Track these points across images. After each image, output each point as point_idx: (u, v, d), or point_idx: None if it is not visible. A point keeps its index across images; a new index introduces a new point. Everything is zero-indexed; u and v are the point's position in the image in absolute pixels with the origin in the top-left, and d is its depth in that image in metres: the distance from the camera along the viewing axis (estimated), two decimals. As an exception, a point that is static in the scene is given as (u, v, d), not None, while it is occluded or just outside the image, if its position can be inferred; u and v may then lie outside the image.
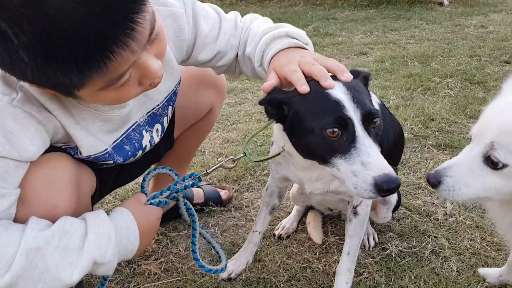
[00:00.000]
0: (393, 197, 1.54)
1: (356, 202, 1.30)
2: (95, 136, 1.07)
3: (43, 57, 0.75)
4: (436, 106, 2.65)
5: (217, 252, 1.28)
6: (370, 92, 1.12)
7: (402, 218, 1.73)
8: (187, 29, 1.21)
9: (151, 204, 1.11)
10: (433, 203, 1.80)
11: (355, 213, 1.31)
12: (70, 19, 0.72)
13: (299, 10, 5.67)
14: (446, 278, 1.41)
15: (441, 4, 5.46)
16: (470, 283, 1.39)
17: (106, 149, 1.11)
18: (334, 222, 1.75)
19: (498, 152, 0.87)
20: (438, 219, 1.70)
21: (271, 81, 1.07)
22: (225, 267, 1.27)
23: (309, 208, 1.75)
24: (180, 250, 1.61)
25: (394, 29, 4.63)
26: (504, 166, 0.87)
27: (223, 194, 1.88)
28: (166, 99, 1.28)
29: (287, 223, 1.70)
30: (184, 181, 1.18)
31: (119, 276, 1.49)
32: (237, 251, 1.54)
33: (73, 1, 0.72)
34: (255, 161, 1.25)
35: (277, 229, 1.69)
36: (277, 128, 1.20)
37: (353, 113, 0.96)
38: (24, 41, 0.73)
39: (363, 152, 0.95)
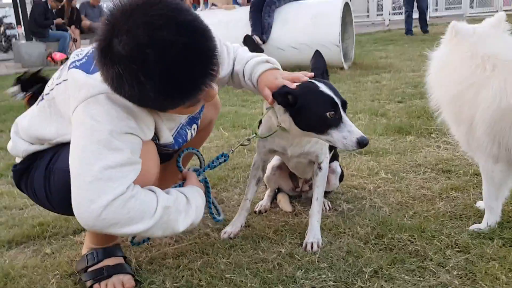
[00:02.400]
0: (338, 168, 2.16)
1: (320, 160, 1.89)
2: (166, 131, 1.59)
3: (164, 95, 1.30)
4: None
5: (215, 207, 1.86)
6: None
7: (346, 192, 2.33)
8: None
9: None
10: (365, 182, 2.44)
11: (319, 168, 1.90)
12: (185, 75, 1.28)
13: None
14: (383, 216, 2.00)
15: (342, 68, 6.53)
16: (399, 217, 2.00)
17: (171, 141, 1.63)
18: (297, 200, 2.30)
19: None
20: (370, 190, 2.34)
21: (268, 93, 1.68)
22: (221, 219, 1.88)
23: (278, 191, 2.30)
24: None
25: (308, 87, 5.50)
26: None
27: None
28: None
29: (263, 202, 2.23)
30: (218, 159, 1.78)
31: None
32: (231, 221, 2.02)
33: (183, 66, 1.26)
34: (262, 138, 1.82)
35: (256, 208, 2.20)
36: (271, 114, 1.77)
37: (338, 102, 1.60)
38: (154, 86, 1.26)
39: (348, 125, 1.60)
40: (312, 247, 1.79)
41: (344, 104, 1.62)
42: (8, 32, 15.05)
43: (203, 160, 1.86)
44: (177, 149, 1.74)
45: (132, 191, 1.36)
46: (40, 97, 1.63)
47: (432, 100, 1.85)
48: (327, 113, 1.58)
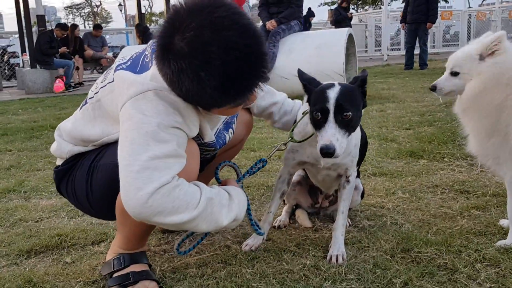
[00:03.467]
0: (360, 185, 2.15)
1: (349, 173, 1.89)
2: (209, 130, 1.61)
3: (220, 92, 1.32)
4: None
5: (255, 223, 1.82)
6: None
7: (364, 210, 2.32)
8: None
9: None
10: (383, 201, 2.43)
11: (347, 181, 1.90)
12: (242, 75, 1.31)
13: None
14: (406, 232, 1.99)
15: (346, 98, 6.61)
16: (422, 233, 1.98)
17: (214, 139, 1.65)
18: (315, 216, 2.28)
19: (455, 68, 1.83)
20: (389, 208, 2.32)
21: None
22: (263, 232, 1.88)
23: (296, 208, 2.28)
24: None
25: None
26: (457, 73, 1.84)
27: None
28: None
29: (282, 218, 2.21)
30: (256, 165, 1.81)
31: (169, 253, 1.88)
32: (251, 234, 2.00)
33: (242, 65, 1.30)
34: (298, 142, 1.82)
35: (275, 223, 2.18)
36: (308, 120, 1.79)
37: (332, 106, 1.59)
38: (213, 83, 1.29)
39: (324, 130, 1.60)
40: (337, 260, 1.77)
41: (339, 110, 1.58)
42: (12, 60, 15.19)
43: (240, 171, 1.85)
44: (218, 149, 1.76)
45: (177, 181, 1.38)
46: (83, 102, 1.68)
47: (468, 109, 1.84)
48: (314, 113, 1.62)
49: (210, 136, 1.62)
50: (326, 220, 2.23)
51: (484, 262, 1.70)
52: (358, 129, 1.89)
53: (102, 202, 1.56)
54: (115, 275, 1.60)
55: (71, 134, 1.64)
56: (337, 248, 1.82)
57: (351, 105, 1.61)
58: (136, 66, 1.50)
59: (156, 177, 1.32)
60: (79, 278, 1.70)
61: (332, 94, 1.61)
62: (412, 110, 5.40)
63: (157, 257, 1.87)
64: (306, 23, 12.10)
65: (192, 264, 1.80)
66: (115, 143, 1.42)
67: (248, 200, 1.76)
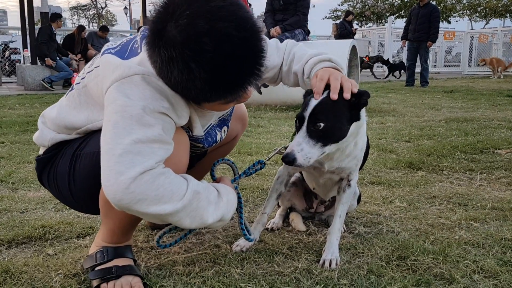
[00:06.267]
0: (357, 189, 2.08)
1: (351, 177, 1.84)
2: (199, 123, 1.55)
3: (210, 86, 1.27)
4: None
5: (246, 228, 1.75)
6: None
7: (361, 217, 2.26)
8: None
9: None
10: (380, 209, 2.36)
11: (349, 185, 1.84)
12: (234, 70, 1.25)
13: (230, 110, 6.45)
14: (402, 240, 1.92)
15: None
16: (419, 241, 1.91)
17: (203, 135, 1.59)
18: (309, 220, 2.22)
19: None
20: (386, 216, 2.26)
21: (314, 83, 1.60)
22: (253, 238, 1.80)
23: (290, 211, 2.22)
24: (192, 239, 1.96)
25: (313, 124, 5.50)
26: None
27: None
28: (232, 108, 1.79)
29: (275, 220, 2.14)
30: (254, 166, 1.72)
31: (153, 250, 1.81)
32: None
33: (235, 60, 1.24)
34: None
35: (268, 225, 2.11)
36: None
37: (305, 114, 1.56)
38: (203, 76, 1.23)
39: (295, 139, 1.56)
40: (330, 264, 1.70)
41: (311, 120, 1.54)
42: (13, 56, 15.16)
43: (238, 171, 1.78)
44: (207, 147, 1.68)
45: (163, 169, 1.31)
46: (70, 88, 1.62)
47: None
48: (295, 120, 1.61)
49: (199, 130, 1.56)
50: (321, 224, 2.17)
51: (482, 273, 1.64)
52: (365, 133, 1.83)
53: (84, 192, 1.49)
54: (97, 268, 1.53)
55: (55, 121, 1.57)
56: (331, 252, 1.75)
57: (327, 116, 1.54)
58: (124, 52, 1.44)
59: (139, 161, 1.25)
60: (59, 271, 1.62)
61: (313, 103, 1.56)
62: (412, 124, 5.36)
63: (143, 253, 1.80)
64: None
65: (180, 262, 1.73)
66: (99, 131, 1.35)
67: (241, 202, 1.70)
